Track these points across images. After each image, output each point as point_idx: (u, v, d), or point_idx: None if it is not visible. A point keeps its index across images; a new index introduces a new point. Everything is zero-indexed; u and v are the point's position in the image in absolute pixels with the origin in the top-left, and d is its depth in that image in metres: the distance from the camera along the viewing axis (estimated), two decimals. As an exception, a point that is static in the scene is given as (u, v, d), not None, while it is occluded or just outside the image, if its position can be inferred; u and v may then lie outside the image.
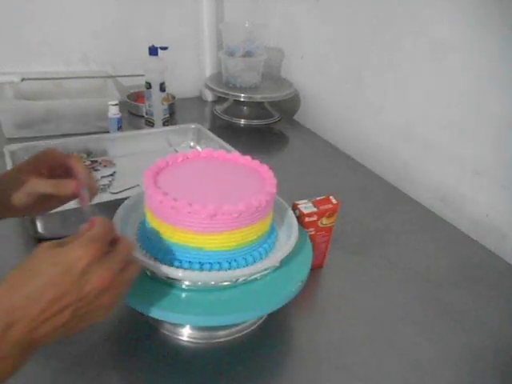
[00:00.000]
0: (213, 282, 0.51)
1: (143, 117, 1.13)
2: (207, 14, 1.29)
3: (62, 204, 0.57)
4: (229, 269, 0.52)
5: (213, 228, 0.50)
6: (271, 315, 0.58)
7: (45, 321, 0.36)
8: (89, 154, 0.93)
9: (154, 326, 0.58)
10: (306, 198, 0.65)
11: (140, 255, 0.51)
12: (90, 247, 0.38)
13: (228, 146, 0.94)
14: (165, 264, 0.50)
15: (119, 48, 1.26)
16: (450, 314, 0.65)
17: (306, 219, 0.63)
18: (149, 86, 1.07)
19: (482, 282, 0.72)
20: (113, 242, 0.42)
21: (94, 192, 0.54)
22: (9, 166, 0.78)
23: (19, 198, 0.53)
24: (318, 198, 0.66)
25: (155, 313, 0.49)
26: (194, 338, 0.57)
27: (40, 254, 0.39)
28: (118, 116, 1.01)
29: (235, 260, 0.52)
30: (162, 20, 1.28)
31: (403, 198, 0.95)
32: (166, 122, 1.12)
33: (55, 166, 0.55)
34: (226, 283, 0.52)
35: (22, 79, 1.03)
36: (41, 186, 0.53)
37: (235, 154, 0.62)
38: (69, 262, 0.37)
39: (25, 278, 0.37)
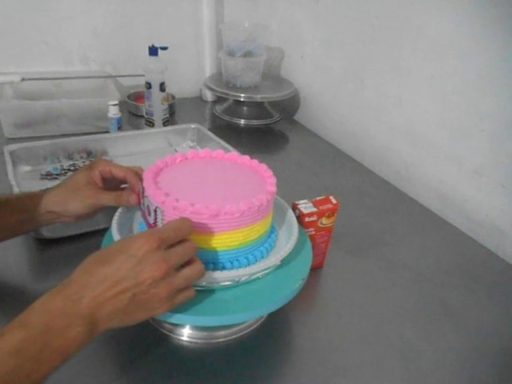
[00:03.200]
0: (215, 282, 0.51)
1: (143, 117, 1.13)
2: (207, 14, 1.29)
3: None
4: (231, 268, 0.52)
5: (215, 228, 0.50)
6: (271, 315, 0.58)
7: (106, 301, 0.40)
8: (89, 153, 0.93)
9: (153, 326, 0.58)
10: (306, 198, 0.65)
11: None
12: (152, 238, 0.42)
13: (228, 146, 0.94)
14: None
15: (119, 48, 1.26)
16: (450, 314, 0.65)
17: (306, 219, 0.63)
18: (149, 86, 1.07)
19: (481, 281, 0.73)
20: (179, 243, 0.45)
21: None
22: (9, 166, 0.78)
23: (77, 209, 0.57)
24: (318, 198, 0.66)
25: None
26: (193, 338, 0.57)
27: (114, 243, 0.43)
28: (117, 116, 1.01)
29: (237, 259, 0.53)
30: (162, 20, 1.28)
31: (403, 198, 0.95)
32: (165, 122, 1.12)
33: (109, 178, 0.58)
34: (227, 283, 0.52)
35: (22, 79, 1.03)
36: (104, 200, 0.57)
37: (234, 154, 0.62)
38: (130, 249, 0.42)
39: (96, 263, 0.42)
